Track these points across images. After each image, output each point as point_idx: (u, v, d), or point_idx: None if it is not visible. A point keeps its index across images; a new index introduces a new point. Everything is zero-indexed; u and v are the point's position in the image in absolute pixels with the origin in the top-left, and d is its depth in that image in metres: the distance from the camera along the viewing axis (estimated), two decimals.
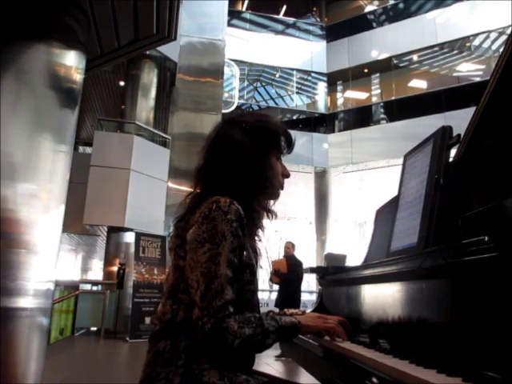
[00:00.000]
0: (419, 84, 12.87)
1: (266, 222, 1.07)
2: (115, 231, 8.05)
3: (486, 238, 0.68)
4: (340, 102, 14.11)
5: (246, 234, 0.93)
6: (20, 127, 1.87)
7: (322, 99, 14.19)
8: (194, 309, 0.84)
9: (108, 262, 8.24)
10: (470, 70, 12.07)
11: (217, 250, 0.86)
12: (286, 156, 1.10)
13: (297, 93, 14.24)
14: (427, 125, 8.90)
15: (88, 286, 8.83)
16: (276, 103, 14.28)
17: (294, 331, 0.94)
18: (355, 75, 13.36)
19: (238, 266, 0.89)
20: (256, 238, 1.03)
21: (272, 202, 1.09)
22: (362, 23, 13.55)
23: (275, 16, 14.50)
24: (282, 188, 1.09)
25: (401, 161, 1.36)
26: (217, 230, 0.87)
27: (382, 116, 12.88)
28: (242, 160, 0.98)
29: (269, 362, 4.47)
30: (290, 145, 1.09)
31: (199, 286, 0.84)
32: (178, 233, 0.95)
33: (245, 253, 0.92)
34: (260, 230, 1.05)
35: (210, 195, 0.93)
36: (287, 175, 1.09)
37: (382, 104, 13.06)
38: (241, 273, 0.91)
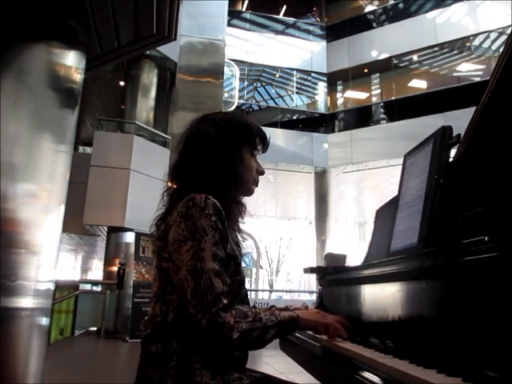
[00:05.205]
0: (419, 84, 12.86)
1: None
2: (115, 231, 8.04)
3: (486, 238, 0.68)
4: (340, 101, 14.08)
5: (227, 226, 0.93)
6: (20, 127, 1.87)
7: (321, 99, 14.17)
8: (188, 307, 0.84)
9: (108, 262, 8.22)
10: (469, 69, 12.07)
11: (199, 246, 0.86)
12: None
13: (297, 93, 14.22)
14: (427, 125, 8.88)
15: (88, 286, 8.83)
16: (276, 103, 14.26)
17: (293, 326, 0.94)
18: (355, 75, 13.34)
19: (224, 258, 0.89)
20: (236, 231, 1.04)
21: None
22: (361, 23, 13.55)
23: (275, 16, 14.48)
24: (257, 185, 1.09)
25: (401, 161, 1.36)
26: (196, 226, 0.87)
27: (382, 116, 12.87)
28: (214, 154, 1.00)
29: (268, 362, 4.47)
30: (265, 142, 1.10)
31: (188, 284, 0.84)
32: (160, 235, 0.95)
33: (228, 245, 0.93)
34: (239, 224, 1.06)
35: (185, 192, 0.93)
36: (262, 172, 1.10)
37: (381, 104, 13.04)
38: (226, 265, 0.91)
